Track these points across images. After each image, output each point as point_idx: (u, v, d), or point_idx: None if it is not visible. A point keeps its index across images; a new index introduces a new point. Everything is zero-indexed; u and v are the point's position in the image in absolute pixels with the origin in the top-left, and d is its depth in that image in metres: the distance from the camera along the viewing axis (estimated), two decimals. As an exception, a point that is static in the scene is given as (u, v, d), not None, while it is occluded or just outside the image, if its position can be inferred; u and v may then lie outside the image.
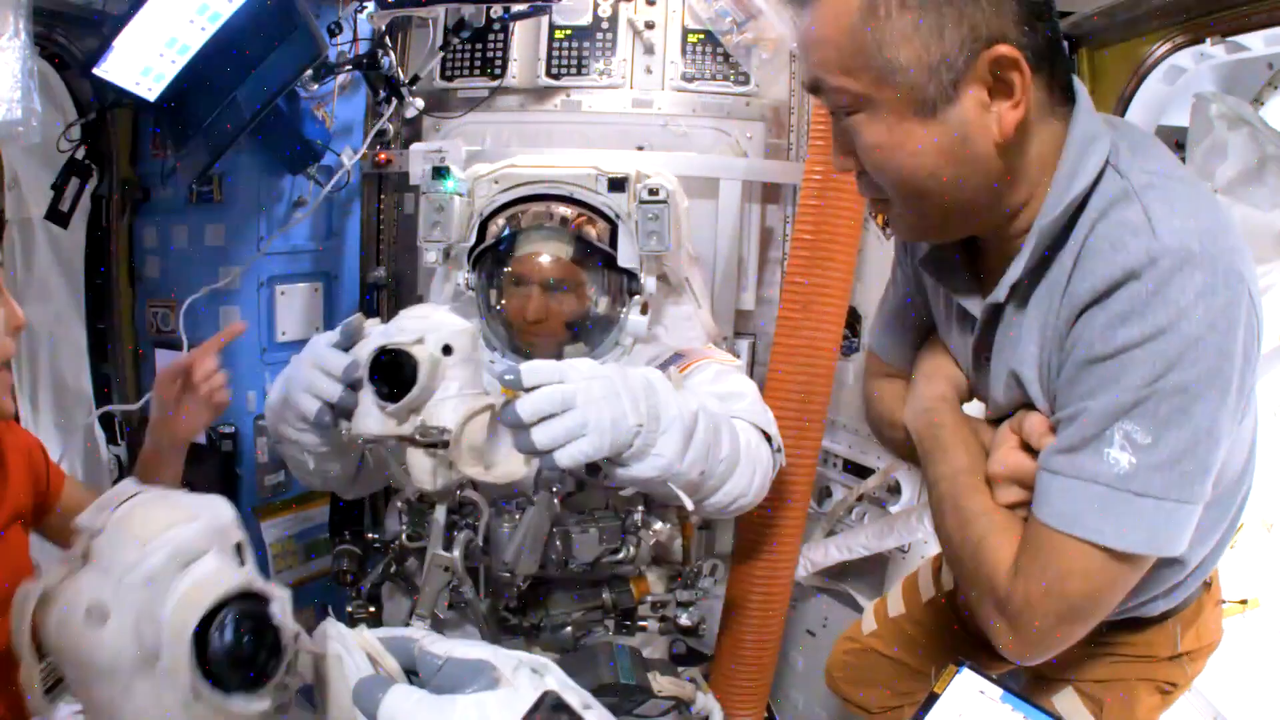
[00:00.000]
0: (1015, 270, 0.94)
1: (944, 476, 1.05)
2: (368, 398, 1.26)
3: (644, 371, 1.31)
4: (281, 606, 0.72)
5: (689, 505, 1.33)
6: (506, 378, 1.16)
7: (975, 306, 1.04)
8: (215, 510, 0.75)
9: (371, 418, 1.25)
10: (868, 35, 0.84)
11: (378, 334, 1.28)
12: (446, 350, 1.26)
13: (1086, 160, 0.89)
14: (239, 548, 0.76)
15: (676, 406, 1.28)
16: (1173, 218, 0.83)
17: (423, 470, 1.30)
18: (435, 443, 1.26)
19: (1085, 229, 0.89)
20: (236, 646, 0.69)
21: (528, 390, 1.15)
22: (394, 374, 1.24)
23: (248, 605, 0.70)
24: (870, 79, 0.86)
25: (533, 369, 1.17)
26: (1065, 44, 0.92)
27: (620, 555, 1.56)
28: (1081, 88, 0.94)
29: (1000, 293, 0.97)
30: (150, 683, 0.67)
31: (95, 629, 0.66)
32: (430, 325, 1.27)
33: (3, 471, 1.20)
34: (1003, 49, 0.83)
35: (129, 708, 0.67)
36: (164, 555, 0.68)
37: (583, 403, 1.16)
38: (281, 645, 0.72)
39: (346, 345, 1.30)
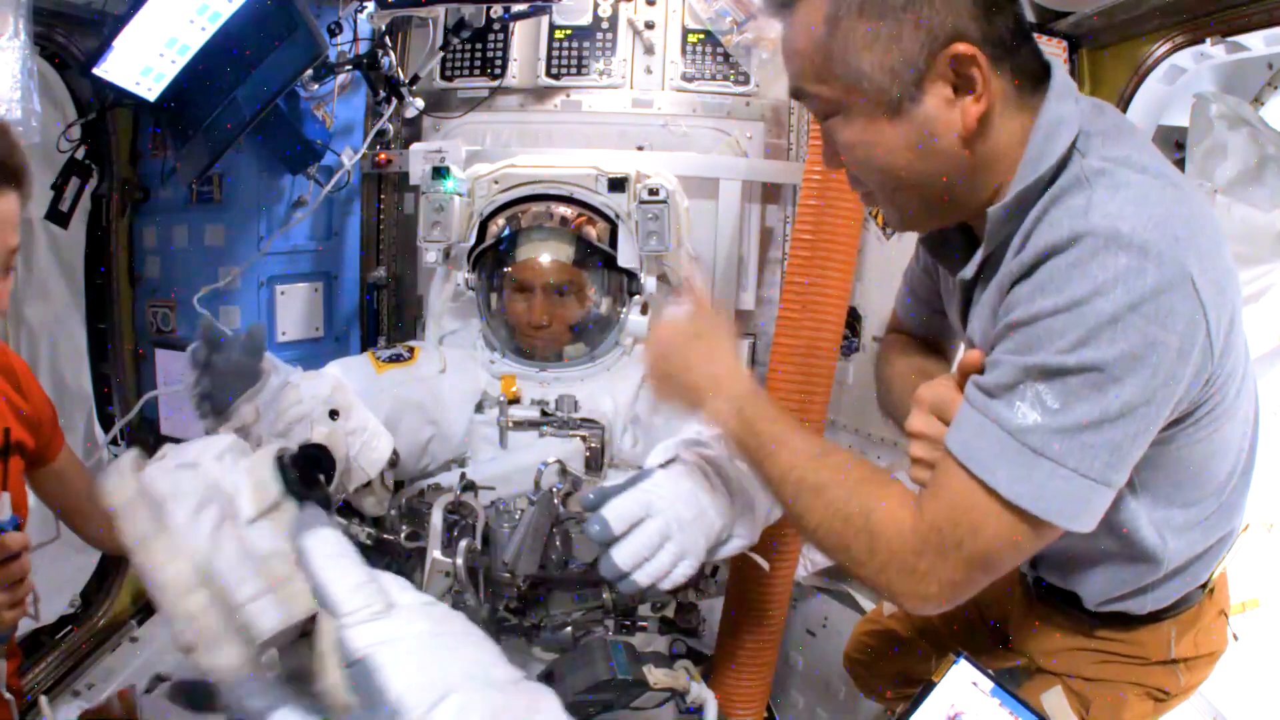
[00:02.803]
0: (981, 251, 0.98)
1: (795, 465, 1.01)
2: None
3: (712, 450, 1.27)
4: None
5: (765, 566, 1.33)
6: (594, 529, 1.10)
7: None
8: None
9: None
10: (833, 46, 0.90)
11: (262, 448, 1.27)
12: (334, 415, 1.26)
13: (1049, 147, 0.91)
14: None
15: (737, 480, 1.26)
16: (1111, 203, 0.83)
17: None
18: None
19: (1039, 212, 0.90)
20: (310, 455, 0.89)
21: (617, 537, 1.10)
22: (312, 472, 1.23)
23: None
24: (840, 85, 0.91)
25: (620, 515, 1.10)
26: (1030, 32, 0.94)
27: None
28: (1059, 73, 0.95)
29: (968, 270, 1.00)
30: (227, 530, 0.81)
31: (188, 471, 0.84)
32: (304, 408, 1.26)
33: (13, 407, 1.25)
34: (959, 47, 0.86)
35: (219, 557, 0.79)
36: (230, 439, 0.90)
37: (676, 531, 1.12)
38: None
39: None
